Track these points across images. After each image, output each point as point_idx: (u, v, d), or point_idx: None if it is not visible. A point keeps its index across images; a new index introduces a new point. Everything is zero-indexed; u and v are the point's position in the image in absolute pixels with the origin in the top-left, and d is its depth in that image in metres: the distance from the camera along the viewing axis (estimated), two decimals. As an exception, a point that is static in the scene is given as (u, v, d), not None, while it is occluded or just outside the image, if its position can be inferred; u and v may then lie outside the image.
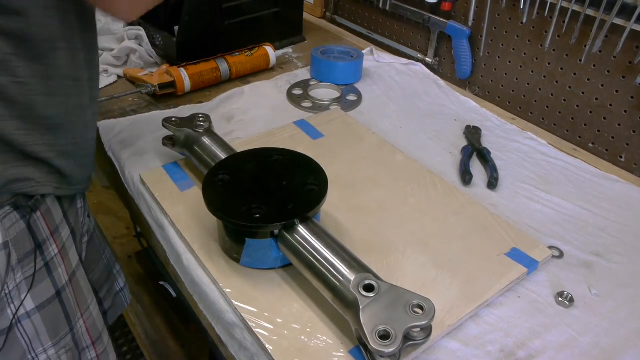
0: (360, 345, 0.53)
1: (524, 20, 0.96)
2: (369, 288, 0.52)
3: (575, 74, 0.92)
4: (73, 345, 0.70)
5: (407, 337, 0.52)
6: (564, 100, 0.95)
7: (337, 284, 0.54)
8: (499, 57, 1.04)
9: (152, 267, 1.34)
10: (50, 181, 0.63)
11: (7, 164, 0.57)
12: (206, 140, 0.75)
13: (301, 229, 0.59)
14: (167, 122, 0.79)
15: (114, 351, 0.81)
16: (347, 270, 0.54)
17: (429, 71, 1.14)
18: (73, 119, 0.62)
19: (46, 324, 0.65)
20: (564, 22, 0.89)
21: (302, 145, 0.86)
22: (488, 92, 1.09)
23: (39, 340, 0.65)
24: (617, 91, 0.87)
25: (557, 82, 0.95)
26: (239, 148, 0.73)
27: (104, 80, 1.06)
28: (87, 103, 0.64)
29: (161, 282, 1.17)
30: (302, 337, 0.56)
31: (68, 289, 0.68)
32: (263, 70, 1.12)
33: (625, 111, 0.87)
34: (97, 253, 0.89)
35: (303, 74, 1.12)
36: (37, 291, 0.63)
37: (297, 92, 1.05)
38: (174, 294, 1.03)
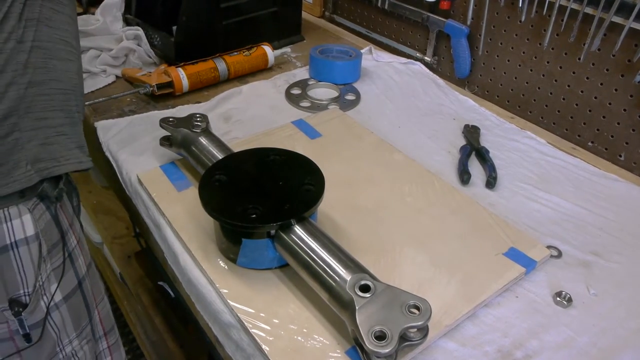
0: (356, 346, 0.53)
1: (523, 19, 0.95)
2: (365, 288, 0.52)
3: (574, 73, 0.91)
4: (92, 336, 0.71)
5: (403, 338, 0.52)
6: (563, 99, 0.95)
7: (333, 284, 0.54)
8: (497, 56, 1.03)
9: (151, 267, 1.34)
10: (72, 157, 0.64)
11: (33, 140, 0.58)
12: (203, 140, 0.75)
13: (297, 229, 0.59)
14: (164, 122, 0.79)
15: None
16: (344, 271, 0.54)
17: (427, 70, 1.13)
18: (79, 82, 0.64)
19: (71, 314, 0.67)
20: (562, 20, 0.88)
21: (300, 145, 0.86)
22: (487, 91, 1.09)
23: (65, 332, 0.66)
24: (616, 90, 0.86)
25: (556, 80, 0.95)
26: (237, 148, 0.73)
27: (102, 81, 1.06)
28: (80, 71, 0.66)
29: (160, 282, 1.17)
30: (299, 338, 0.56)
31: (87, 279, 0.70)
32: (261, 70, 1.12)
33: (625, 110, 0.86)
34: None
35: (302, 73, 1.12)
36: (64, 282, 0.65)
37: (296, 91, 1.05)
38: (172, 294, 1.03)
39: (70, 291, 0.66)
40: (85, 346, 0.70)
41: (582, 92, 0.91)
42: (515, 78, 1.02)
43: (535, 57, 0.97)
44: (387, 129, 0.94)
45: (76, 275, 0.67)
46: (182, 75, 0.99)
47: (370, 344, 0.47)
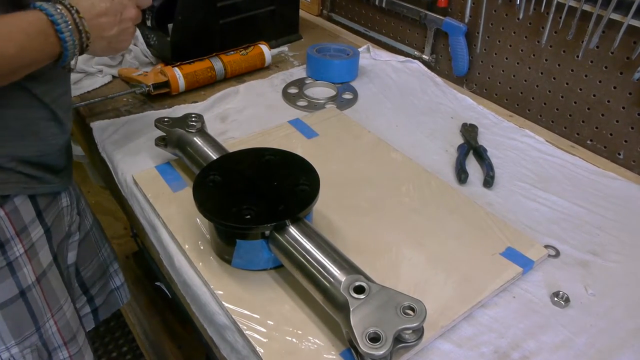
0: (351, 348, 0.52)
1: (521, 17, 0.94)
2: (359, 290, 0.51)
3: (572, 71, 0.91)
4: (41, 345, 0.71)
5: (398, 339, 0.51)
6: (562, 97, 0.94)
7: (328, 285, 0.53)
8: (495, 54, 1.03)
9: (148, 267, 1.34)
10: (17, 181, 0.63)
11: None
12: (198, 140, 0.75)
13: (292, 230, 0.58)
14: (159, 122, 0.78)
15: (91, 352, 0.81)
16: (338, 272, 0.54)
17: (425, 68, 1.13)
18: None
19: (7, 322, 0.66)
20: (560, 17, 0.88)
21: (296, 144, 0.85)
22: (485, 89, 1.08)
23: (0, 338, 0.66)
24: (615, 87, 0.86)
25: (554, 78, 0.94)
26: (233, 148, 0.73)
27: (99, 81, 1.05)
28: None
29: (157, 283, 1.17)
30: (293, 340, 0.55)
31: (35, 289, 0.68)
32: (258, 69, 1.11)
33: (624, 107, 0.85)
34: (92, 251, 0.89)
35: (299, 72, 1.11)
36: None
37: (293, 90, 1.04)
38: (169, 294, 1.03)
39: (7, 300, 0.66)
40: (29, 355, 0.69)
41: (580, 90, 0.91)
42: (514, 76, 1.01)
43: (534, 55, 0.96)
44: (385, 127, 0.94)
45: (17, 284, 0.66)
46: (178, 75, 0.98)
47: (364, 346, 0.47)
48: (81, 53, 0.60)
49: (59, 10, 0.56)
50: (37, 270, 0.69)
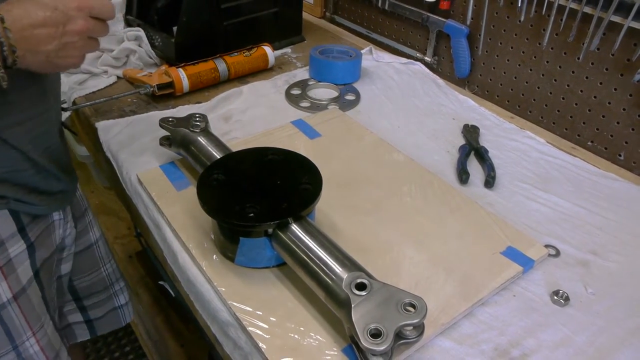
0: (352, 344, 0.53)
1: (522, 19, 0.95)
2: (360, 286, 0.52)
3: (573, 72, 0.91)
4: None
5: (399, 336, 0.52)
6: (563, 98, 0.95)
7: (330, 282, 0.54)
8: (497, 56, 1.04)
9: (151, 266, 1.35)
10: None
11: None
12: (202, 140, 0.75)
13: (295, 228, 0.59)
14: (163, 122, 0.79)
15: None
16: (340, 269, 0.54)
17: (427, 70, 1.13)
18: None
19: None
20: (561, 20, 0.88)
21: (299, 144, 0.86)
22: (487, 91, 1.09)
23: None
24: (615, 89, 0.86)
25: (555, 80, 0.95)
26: (236, 148, 0.73)
27: (104, 81, 1.06)
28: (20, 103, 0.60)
29: (160, 282, 1.17)
30: (296, 336, 0.56)
31: (11, 306, 0.66)
32: (262, 71, 1.12)
33: (624, 109, 0.86)
34: (93, 264, 0.87)
35: (302, 73, 1.12)
36: None
37: (296, 91, 1.05)
38: (172, 293, 1.03)
39: None
40: None
41: (581, 91, 0.91)
42: (515, 78, 1.02)
43: (535, 57, 0.97)
44: (387, 128, 0.94)
45: None
46: (182, 76, 0.99)
47: (365, 341, 0.47)
48: (6, 68, 0.51)
49: None
50: (15, 287, 0.66)
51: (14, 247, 0.65)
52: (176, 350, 1.19)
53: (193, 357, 1.18)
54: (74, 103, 1.00)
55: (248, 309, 0.59)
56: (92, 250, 0.86)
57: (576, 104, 0.93)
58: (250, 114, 0.97)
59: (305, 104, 1.01)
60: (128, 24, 1.16)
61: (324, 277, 0.54)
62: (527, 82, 1.00)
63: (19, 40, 0.50)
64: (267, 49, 1.11)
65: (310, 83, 1.08)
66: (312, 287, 0.57)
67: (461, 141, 0.91)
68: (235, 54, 1.07)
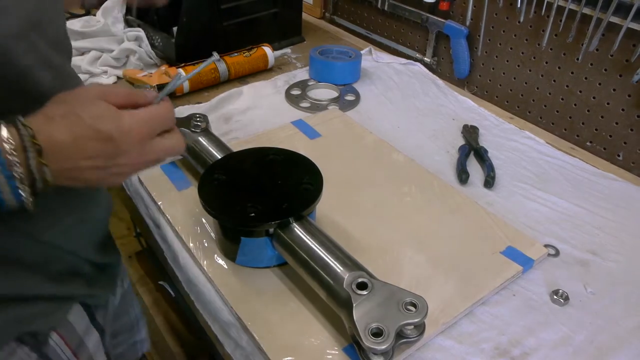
0: (353, 343, 0.53)
1: (521, 19, 0.96)
2: (362, 286, 0.52)
3: (572, 73, 0.92)
4: None
5: (400, 335, 0.52)
6: (562, 99, 0.95)
7: (331, 282, 0.54)
8: (496, 56, 1.04)
9: (151, 267, 1.35)
10: (62, 305, 0.55)
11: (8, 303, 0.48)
12: (203, 140, 0.76)
13: (296, 228, 0.59)
14: (164, 122, 0.79)
15: None
16: (341, 269, 0.54)
17: (427, 71, 1.14)
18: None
19: None
20: (560, 20, 0.89)
21: (299, 145, 0.86)
22: (486, 92, 1.09)
23: None
24: (614, 89, 0.87)
25: (554, 81, 0.95)
26: (237, 148, 0.74)
27: (104, 82, 1.06)
28: None
29: (160, 282, 1.17)
30: (297, 335, 0.56)
31: None
32: (262, 71, 1.12)
33: (623, 109, 0.86)
34: (124, 311, 0.81)
35: (302, 74, 1.12)
36: None
37: (296, 92, 1.05)
38: (173, 293, 1.03)
39: None
40: None
41: (580, 92, 0.92)
42: (514, 78, 1.02)
43: (534, 58, 0.97)
44: (387, 129, 0.95)
45: None
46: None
47: (367, 340, 0.48)
48: (35, 195, 0.40)
49: (4, 151, 0.37)
50: None
51: (90, 340, 0.60)
52: (176, 351, 1.19)
53: (193, 357, 1.18)
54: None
55: (249, 308, 0.59)
56: (124, 297, 0.79)
57: (575, 105, 0.93)
58: (250, 114, 0.98)
59: (305, 104, 1.01)
60: (128, 24, 1.16)
61: (325, 276, 0.55)
62: (526, 83, 1.00)
63: (56, 174, 0.40)
64: (267, 49, 1.11)
65: (310, 83, 1.08)
66: (313, 286, 0.57)
67: (461, 141, 0.92)
68: (235, 54, 1.08)
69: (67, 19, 0.94)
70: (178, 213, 0.72)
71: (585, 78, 0.90)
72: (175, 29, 1.07)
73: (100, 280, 0.61)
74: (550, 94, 0.97)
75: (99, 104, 0.41)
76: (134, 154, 0.43)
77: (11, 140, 0.37)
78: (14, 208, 0.39)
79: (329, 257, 0.56)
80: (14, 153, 0.37)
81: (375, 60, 1.18)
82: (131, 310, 0.80)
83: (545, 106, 0.99)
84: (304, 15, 1.32)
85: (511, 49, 1.00)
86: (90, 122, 0.40)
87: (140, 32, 1.10)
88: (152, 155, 0.45)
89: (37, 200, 0.40)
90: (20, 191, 0.39)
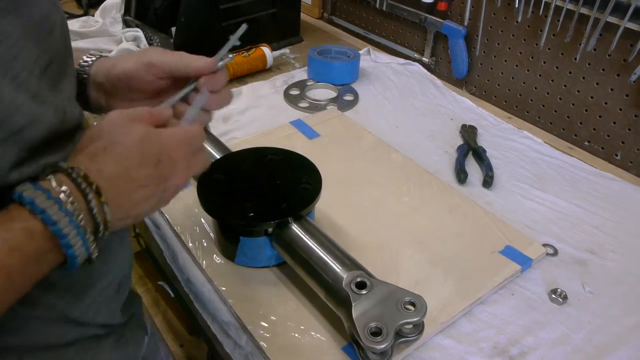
0: (352, 342, 0.53)
1: (519, 20, 0.96)
2: (360, 285, 0.52)
3: (570, 73, 0.92)
4: None
5: (399, 334, 0.52)
6: (560, 98, 0.95)
7: (330, 281, 0.54)
8: (494, 56, 1.04)
9: (150, 267, 1.35)
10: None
11: None
12: (202, 140, 0.76)
13: (295, 228, 0.59)
14: (163, 122, 0.79)
15: None
16: (340, 268, 0.54)
17: (425, 71, 1.14)
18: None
19: None
20: (558, 20, 0.89)
21: (298, 144, 0.87)
22: (484, 92, 1.09)
23: None
24: (612, 89, 0.87)
25: (552, 80, 0.96)
26: (235, 148, 0.74)
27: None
28: None
29: (160, 282, 1.17)
30: (296, 335, 0.56)
31: None
32: (260, 71, 1.13)
33: (620, 109, 0.87)
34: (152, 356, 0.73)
35: (300, 74, 1.12)
36: None
37: (294, 92, 1.05)
38: (172, 293, 1.03)
39: None
40: None
41: (578, 91, 0.92)
42: (512, 78, 1.03)
43: (532, 58, 0.97)
44: (385, 129, 0.95)
45: None
46: (181, 76, 0.99)
47: (366, 339, 0.48)
48: (97, 241, 0.37)
49: (64, 202, 0.34)
50: None
51: None
52: (176, 351, 1.19)
53: (192, 357, 1.18)
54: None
55: (248, 308, 0.59)
56: (150, 346, 0.76)
57: (573, 104, 0.94)
58: (249, 115, 0.98)
59: (303, 104, 1.02)
60: (126, 24, 1.17)
61: (324, 276, 0.55)
62: (524, 83, 1.01)
63: (113, 210, 0.37)
64: (266, 49, 1.11)
65: (308, 83, 1.08)
66: (313, 286, 0.57)
67: (459, 141, 0.92)
68: (234, 54, 1.08)
69: (66, 19, 0.94)
70: (177, 213, 0.72)
71: (583, 78, 0.90)
72: (173, 29, 1.07)
73: (129, 341, 0.54)
74: (548, 93, 0.97)
75: (135, 128, 0.39)
76: (180, 174, 0.42)
77: (65, 188, 0.34)
78: (80, 264, 0.36)
79: (327, 256, 0.56)
80: (74, 200, 0.34)
81: (373, 61, 1.18)
82: (157, 356, 0.72)
83: (543, 106, 0.99)
84: (303, 16, 1.32)
85: (509, 49, 1.01)
86: (135, 148, 0.38)
87: (138, 33, 1.10)
88: (193, 172, 0.43)
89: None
90: (88, 243, 0.35)
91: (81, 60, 0.50)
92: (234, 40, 0.49)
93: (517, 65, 1.01)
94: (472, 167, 0.85)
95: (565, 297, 0.62)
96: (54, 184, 0.34)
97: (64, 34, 0.42)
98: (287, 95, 1.04)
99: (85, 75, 0.49)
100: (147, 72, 0.48)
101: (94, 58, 0.50)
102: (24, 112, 0.34)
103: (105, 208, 0.36)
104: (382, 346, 0.47)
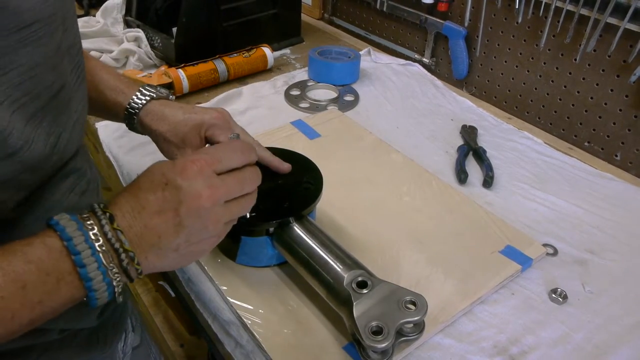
0: (354, 342, 0.53)
1: (519, 20, 0.96)
2: (362, 285, 0.52)
3: (570, 73, 0.92)
4: None
5: (400, 333, 0.53)
6: (560, 99, 0.96)
7: (331, 280, 0.54)
8: (495, 57, 1.04)
9: (151, 267, 1.35)
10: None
11: None
12: (203, 140, 0.76)
13: (296, 227, 0.60)
14: (164, 122, 0.79)
15: None
16: (341, 267, 0.55)
17: (425, 71, 1.14)
18: None
19: None
20: (558, 21, 0.89)
21: (299, 145, 0.87)
22: (484, 92, 1.10)
23: None
24: (611, 90, 0.87)
25: (552, 81, 0.96)
26: (236, 148, 0.74)
27: (103, 82, 1.06)
28: None
29: (160, 282, 1.18)
30: (297, 334, 0.56)
31: None
32: (261, 71, 1.13)
33: (620, 110, 0.87)
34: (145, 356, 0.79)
35: (301, 74, 1.13)
36: None
37: (295, 92, 1.06)
38: (172, 293, 1.04)
39: None
40: None
41: (578, 92, 0.92)
42: (513, 79, 1.03)
43: (532, 58, 0.98)
44: (386, 129, 0.95)
45: None
46: (182, 77, 1.00)
47: (367, 338, 0.48)
48: (131, 280, 0.40)
49: (93, 242, 0.37)
50: None
51: None
52: (176, 351, 1.19)
53: (193, 357, 1.18)
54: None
55: (250, 307, 0.59)
56: (141, 345, 0.79)
57: (573, 105, 0.94)
58: (249, 115, 0.98)
59: (304, 104, 1.02)
60: (127, 24, 1.17)
61: (325, 275, 0.55)
62: (524, 83, 1.01)
63: (134, 241, 0.39)
64: (266, 49, 1.11)
65: (309, 84, 1.08)
66: (314, 285, 0.57)
67: (459, 142, 0.92)
68: (235, 54, 1.08)
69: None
70: (178, 213, 0.72)
71: (583, 78, 0.91)
72: (174, 29, 1.07)
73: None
74: (548, 94, 0.97)
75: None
76: (220, 226, 0.45)
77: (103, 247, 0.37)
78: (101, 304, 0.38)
79: (329, 256, 0.56)
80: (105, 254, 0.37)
81: (374, 61, 1.19)
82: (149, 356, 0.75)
83: (543, 106, 0.99)
84: (303, 16, 1.33)
85: (509, 49, 1.01)
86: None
87: (139, 33, 1.10)
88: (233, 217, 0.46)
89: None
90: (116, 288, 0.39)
91: (131, 101, 0.61)
92: None
93: (517, 66, 1.01)
94: (473, 168, 0.86)
95: (565, 297, 0.63)
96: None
97: (80, 55, 0.47)
98: (287, 95, 1.04)
99: (134, 112, 0.62)
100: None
101: (144, 101, 0.60)
102: (17, 135, 0.36)
103: (121, 236, 0.38)
104: (383, 345, 0.47)
